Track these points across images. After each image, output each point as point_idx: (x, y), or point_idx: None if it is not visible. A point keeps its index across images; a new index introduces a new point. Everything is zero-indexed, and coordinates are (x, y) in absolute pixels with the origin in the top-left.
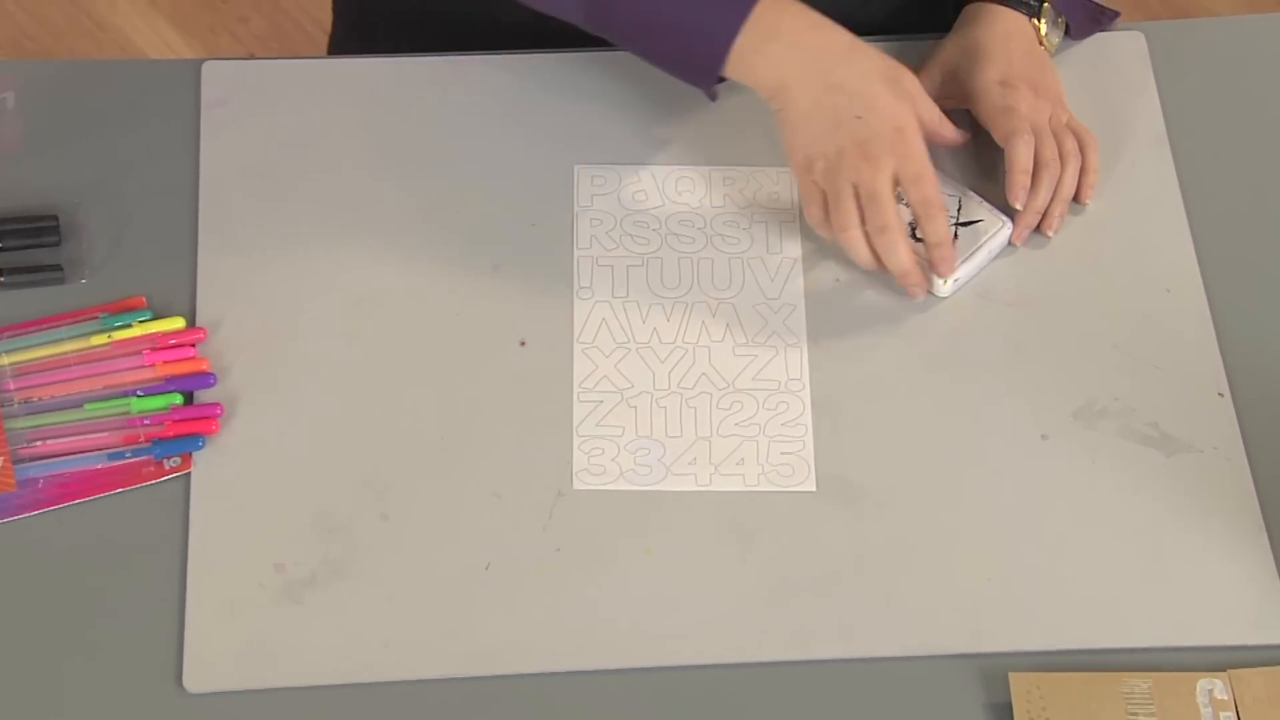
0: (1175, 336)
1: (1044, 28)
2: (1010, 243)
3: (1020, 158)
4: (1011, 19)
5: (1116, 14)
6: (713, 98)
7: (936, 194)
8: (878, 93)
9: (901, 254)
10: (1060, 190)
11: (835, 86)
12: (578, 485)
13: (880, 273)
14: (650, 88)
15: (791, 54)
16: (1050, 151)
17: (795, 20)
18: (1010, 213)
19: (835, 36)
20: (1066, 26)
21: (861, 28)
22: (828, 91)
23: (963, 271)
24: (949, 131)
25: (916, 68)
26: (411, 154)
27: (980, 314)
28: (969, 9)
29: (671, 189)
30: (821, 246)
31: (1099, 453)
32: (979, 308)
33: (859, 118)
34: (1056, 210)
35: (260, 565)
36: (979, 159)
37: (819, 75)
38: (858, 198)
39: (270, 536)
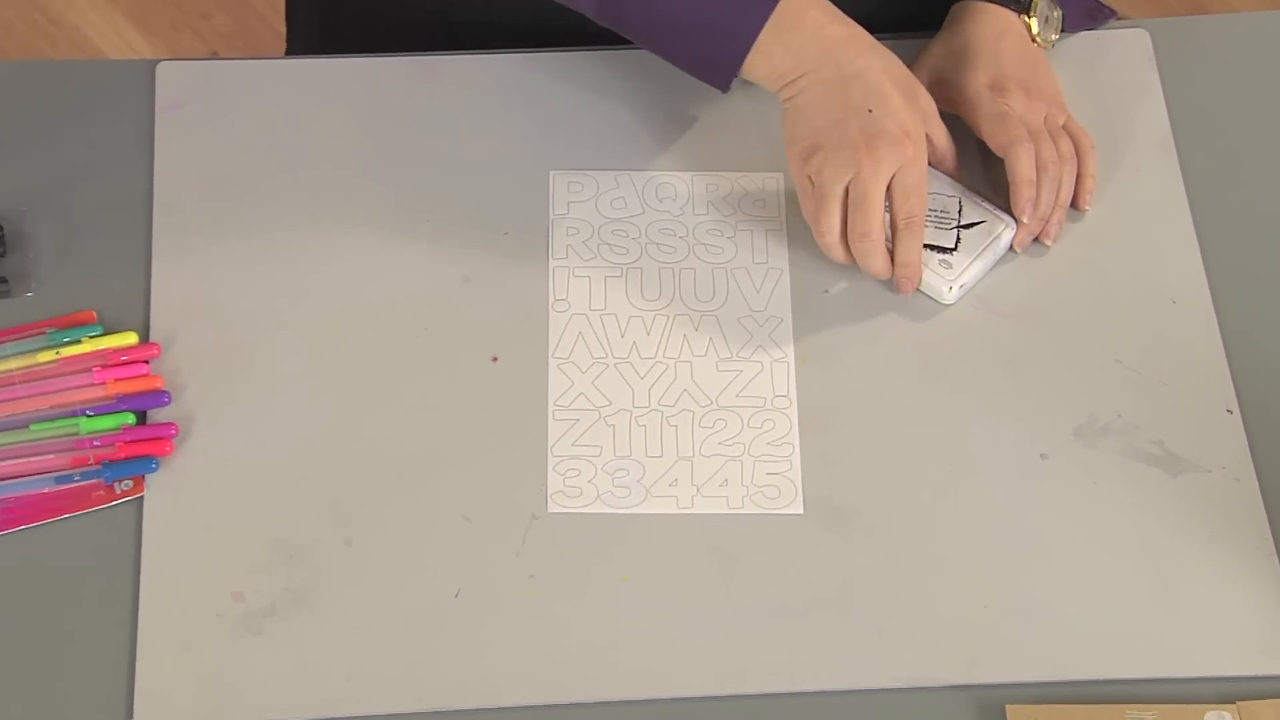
0: (1181, 350)
1: (1035, 25)
2: (1011, 248)
3: (1023, 168)
4: (1000, 17)
5: (1113, 13)
6: (724, 89)
7: (924, 213)
8: (892, 93)
9: (878, 263)
10: (1057, 197)
11: (852, 76)
12: (552, 508)
13: (869, 280)
14: (629, 90)
15: (812, 43)
16: (1049, 154)
17: (819, 13)
18: (1011, 212)
19: (858, 32)
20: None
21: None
22: (842, 80)
23: (968, 276)
24: (952, 163)
25: None
26: (378, 160)
27: (977, 326)
28: (955, 8)
29: (652, 196)
30: (810, 255)
31: (1101, 473)
32: (975, 320)
33: (870, 111)
34: (1054, 218)
35: (217, 594)
36: (971, 160)
37: (836, 64)
38: (846, 198)
39: (228, 564)
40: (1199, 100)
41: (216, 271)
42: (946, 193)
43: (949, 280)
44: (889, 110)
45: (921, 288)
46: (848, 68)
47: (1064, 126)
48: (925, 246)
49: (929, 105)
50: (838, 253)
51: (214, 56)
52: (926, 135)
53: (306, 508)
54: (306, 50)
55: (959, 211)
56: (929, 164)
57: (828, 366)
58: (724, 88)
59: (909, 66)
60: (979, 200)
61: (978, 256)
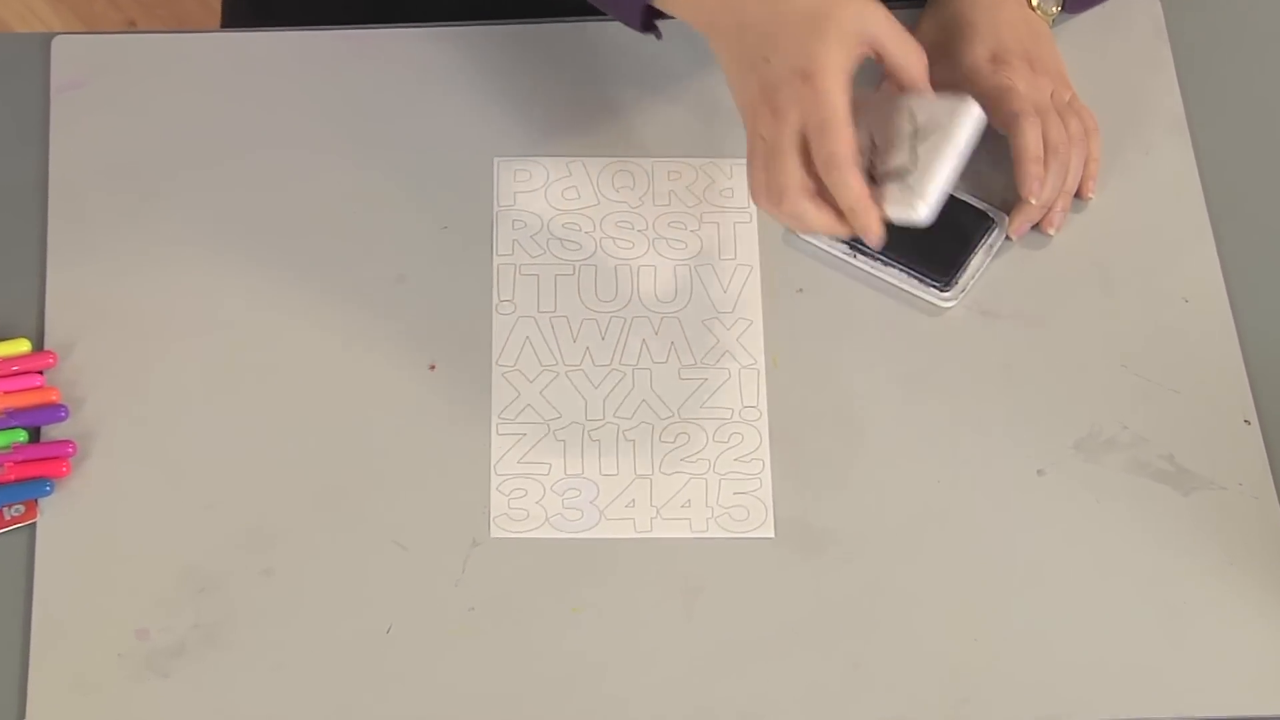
0: (1194, 354)
1: None
2: (1007, 237)
3: (1030, 143)
4: None
5: None
6: (657, 36)
7: (845, 150)
8: (788, 33)
9: (811, 220)
10: (1066, 180)
11: (746, 26)
12: (496, 533)
13: (849, 278)
14: (583, 68)
15: None
16: (1058, 135)
17: None
18: (1004, 199)
19: None
20: None
21: None
22: (739, 31)
23: (934, 185)
24: (916, 71)
25: None
26: (303, 146)
27: (968, 329)
28: None
29: (607, 185)
30: (783, 251)
31: (1104, 490)
32: (966, 321)
33: (766, 60)
34: (1059, 205)
35: (119, 632)
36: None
37: (734, 14)
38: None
39: (131, 597)
40: (1215, 77)
41: (119, 272)
42: (889, 109)
43: (913, 201)
44: (781, 53)
45: (894, 219)
46: (743, 17)
47: (1069, 104)
48: (879, 177)
49: (861, 19)
50: (800, 214)
51: (131, 27)
52: (878, 51)
53: (220, 534)
54: (242, 20)
55: (911, 118)
56: (892, 79)
57: (802, 374)
58: (636, 26)
59: None
60: (930, 98)
61: (940, 158)
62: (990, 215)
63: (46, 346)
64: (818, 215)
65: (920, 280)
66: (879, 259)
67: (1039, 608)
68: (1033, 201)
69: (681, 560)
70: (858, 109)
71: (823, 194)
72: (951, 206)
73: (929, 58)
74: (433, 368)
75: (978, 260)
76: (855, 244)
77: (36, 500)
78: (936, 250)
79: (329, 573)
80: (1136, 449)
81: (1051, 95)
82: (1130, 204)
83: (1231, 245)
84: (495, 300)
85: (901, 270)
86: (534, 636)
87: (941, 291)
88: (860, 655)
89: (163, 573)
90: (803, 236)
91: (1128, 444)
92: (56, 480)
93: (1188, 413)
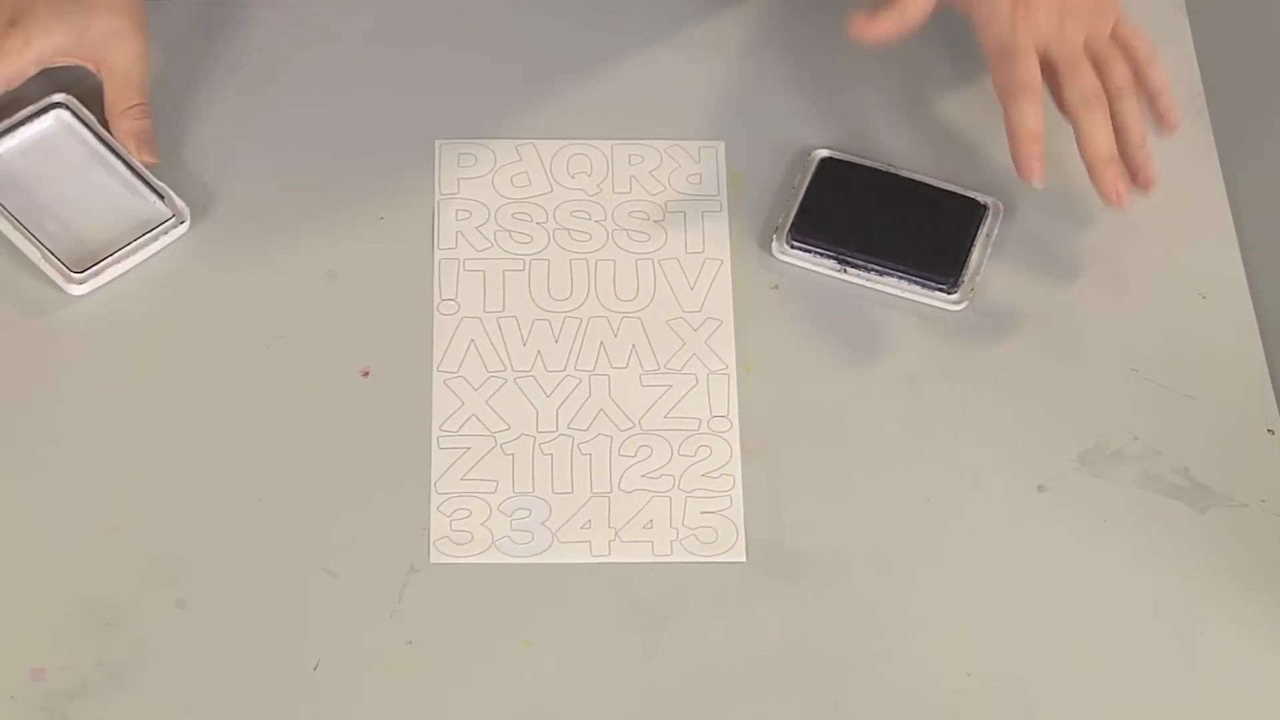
0: (1212, 356)
1: None
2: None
3: (1028, 121)
4: None
5: None
6: None
7: None
8: None
9: None
10: (1129, 135)
11: None
12: (436, 558)
13: (832, 281)
14: (534, 39)
15: None
16: (1089, 83)
17: None
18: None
19: None
20: None
21: None
22: None
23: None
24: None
25: None
26: (221, 126)
27: (960, 329)
28: None
29: (562, 170)
30: (755, 244)
31: (1112, 508)
32: (959, 322)
33: None
34: (1140, 157)
35: (11, 672)
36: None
37: None
38: None
39: (25, 633)
40: (1236, 50)
41: (16, 267)
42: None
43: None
44: None
45: None
46: None
47: (1114, 35)
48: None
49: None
50: None
51: None
52: None
53: (127, 561)
54: None
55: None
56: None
57: (777, 379)
58: None
59: None
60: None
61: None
62: (981, 201)
63: None
64: None
65: (923, 285)
66: (872, 269)
67: (1039, 637)
68: (1034, 184)
69: (643, 587)
70: None
71: None
72: (934, 198)
73: None
74: (366, 374)
75: (978, 253)
76: (844, 257)
77: None
78: (931, 249)
79: (249, 603)
80: (1147, 462)
81: (1089, 39)
82: None
83: (1254, 235)
84: (436, 299)
85: (899, 278)
86: (479, 673)
87: (949, 294)
88: (841, 692)
89: (61, 604)
90: (779, 258)
91: (1138, 456)
92: None
93: (1204, 421)
